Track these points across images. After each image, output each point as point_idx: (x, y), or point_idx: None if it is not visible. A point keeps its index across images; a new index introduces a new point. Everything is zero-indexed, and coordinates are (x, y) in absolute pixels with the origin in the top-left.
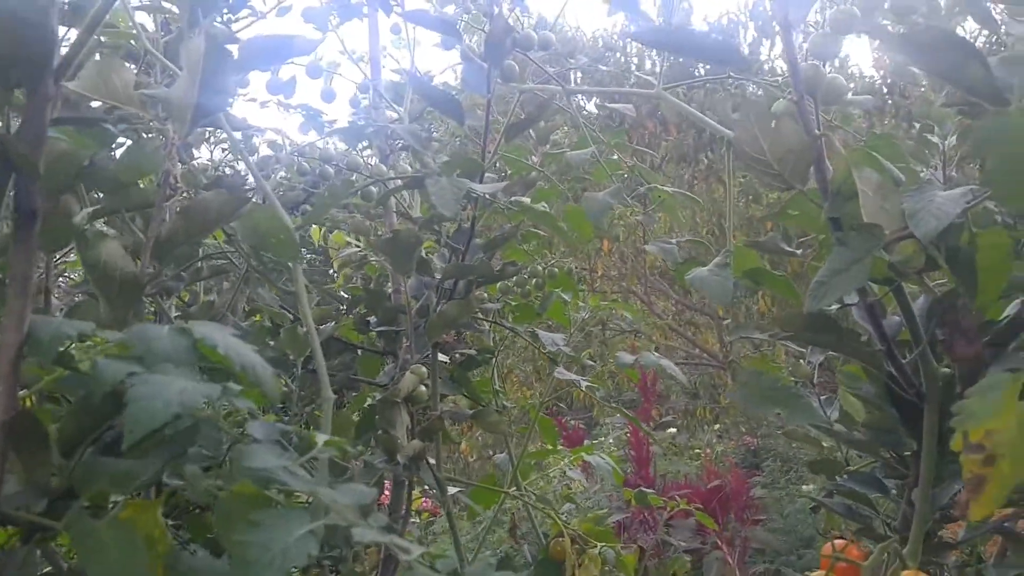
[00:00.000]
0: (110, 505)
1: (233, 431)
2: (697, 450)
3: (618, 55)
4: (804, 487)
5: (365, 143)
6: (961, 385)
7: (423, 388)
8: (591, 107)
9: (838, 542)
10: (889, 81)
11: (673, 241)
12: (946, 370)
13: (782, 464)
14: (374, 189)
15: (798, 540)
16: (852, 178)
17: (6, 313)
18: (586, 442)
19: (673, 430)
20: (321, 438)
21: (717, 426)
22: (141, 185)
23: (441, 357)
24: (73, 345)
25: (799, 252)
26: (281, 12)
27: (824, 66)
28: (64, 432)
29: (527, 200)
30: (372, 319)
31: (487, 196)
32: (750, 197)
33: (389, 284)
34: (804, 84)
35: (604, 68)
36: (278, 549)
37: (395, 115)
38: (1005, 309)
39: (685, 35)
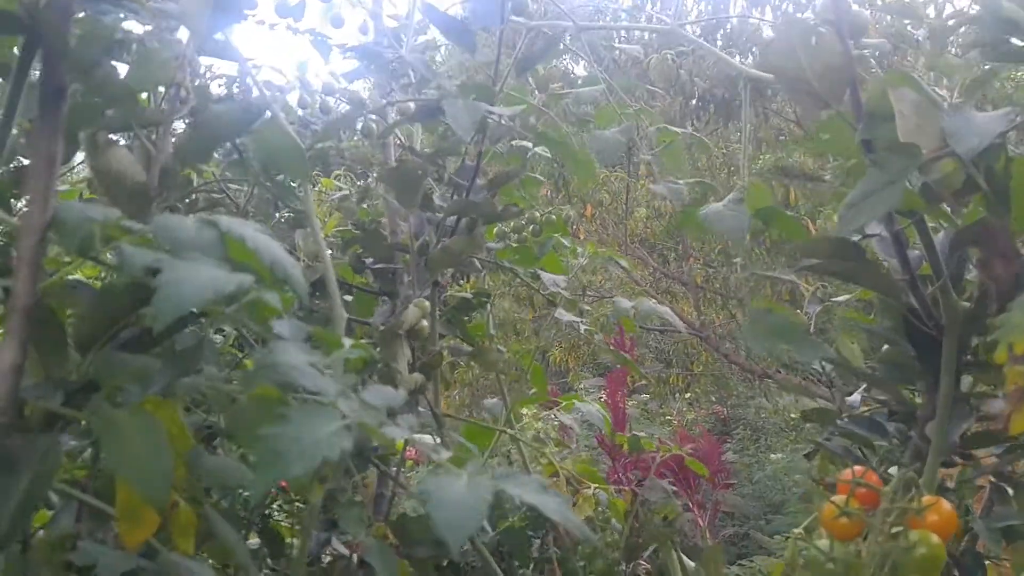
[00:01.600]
0: None
1: (258, 328)
2: (668, 417)
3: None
4: (773, 455)
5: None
6: (998, 302)
7: (424, 323)
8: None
9: (857, 468)
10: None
11: (680, 182)
12: (965, 304)
13: (752, 433)
14: (374, 125)
15: (767, 505)
16: (887, 99)
17: (30, 194)
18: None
19: (646, 396)
20: (347, 341)
21: (688, 395)
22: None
23: None
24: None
25: (827, 178)
26: None
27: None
28: (80, 328)
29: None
30: (368, 259)
31: (504, 120)
32: (731, 167)
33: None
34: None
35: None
36: (309, 441)
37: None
38: None
39: None
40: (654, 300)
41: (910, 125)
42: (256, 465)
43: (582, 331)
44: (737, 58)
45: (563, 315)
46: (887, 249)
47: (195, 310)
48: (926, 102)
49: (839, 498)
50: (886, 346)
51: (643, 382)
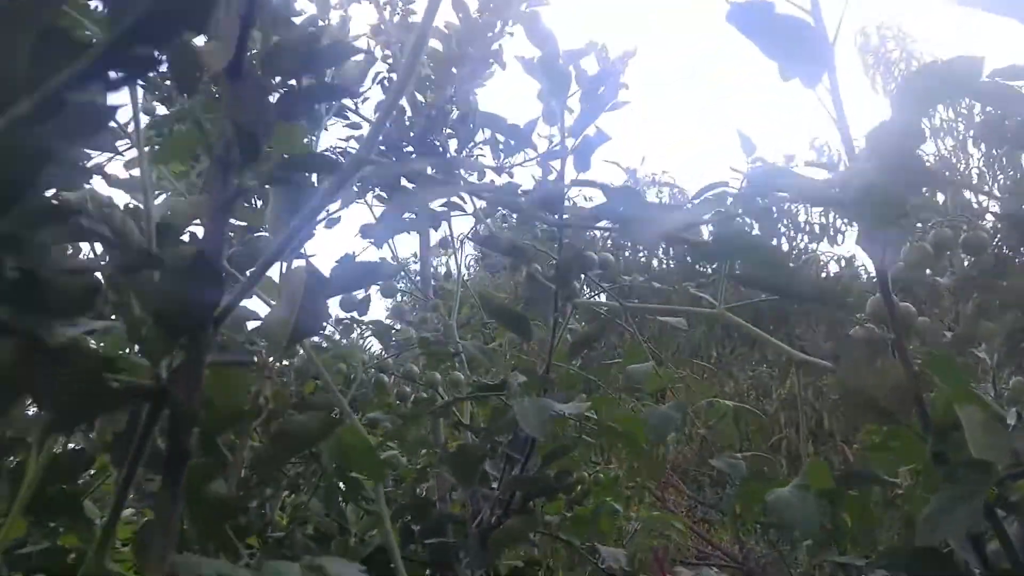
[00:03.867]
0: None
1: None
2: None
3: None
4: None
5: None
6: None
7: None
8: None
9: None
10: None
11: (739, 455)
12: None
13: None
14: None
15: None
16: (953, 412)
17: (146, 556)
18: None
19: None
20: None
21: None
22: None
23: None
24: None
25: (899, 481)
26: (329, 224)
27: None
28: None
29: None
30: (416, 528)
31: (571, 417)
32: (759, 391)
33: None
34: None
35: (657, 285)
36: None
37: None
38: None
39: (786, 274)
40: (715, 570)
41: (980, 443)
42: None
43: None
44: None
45: None
46: (963, 546)
47: None
48: (992, 419)
49: None
50: None
51: None
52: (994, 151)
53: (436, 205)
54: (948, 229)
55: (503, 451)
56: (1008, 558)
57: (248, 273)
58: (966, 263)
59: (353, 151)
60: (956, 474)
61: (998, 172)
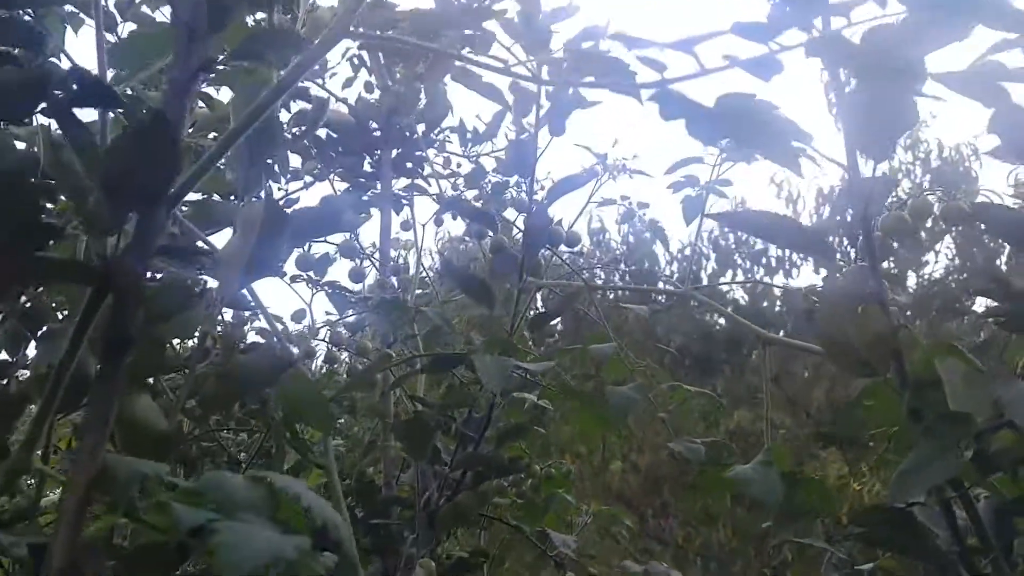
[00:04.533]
0: None
1: None
2: None
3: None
4: None
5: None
6: None
7: None
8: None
9: None
10: None
11: (698, 441)
12: None
13: None
14: (379, 377)
15: None
16: (933, 368)
17: (81, 446)
18: None
19: None
20: None
21: None
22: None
23: None
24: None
25: (871, 444)
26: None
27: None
28: None
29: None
30: (360, 513)
31: (536, 376)
32: (708, 422)
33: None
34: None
35: (623, 268)
36: None
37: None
38: None
39: (760, 217)
40: (664, 565)
41: (960, 395)
42: None
43: None
44: (709, 316)
45: None
46: (931, 519)
47: None
48: (974, 372)
49: None
50: None
51: None
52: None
53: (398, 187)
54: (928, 198)
55: (457, 429)
56: (976, 532)
57: (205, 156)
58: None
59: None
60: (933, 428)
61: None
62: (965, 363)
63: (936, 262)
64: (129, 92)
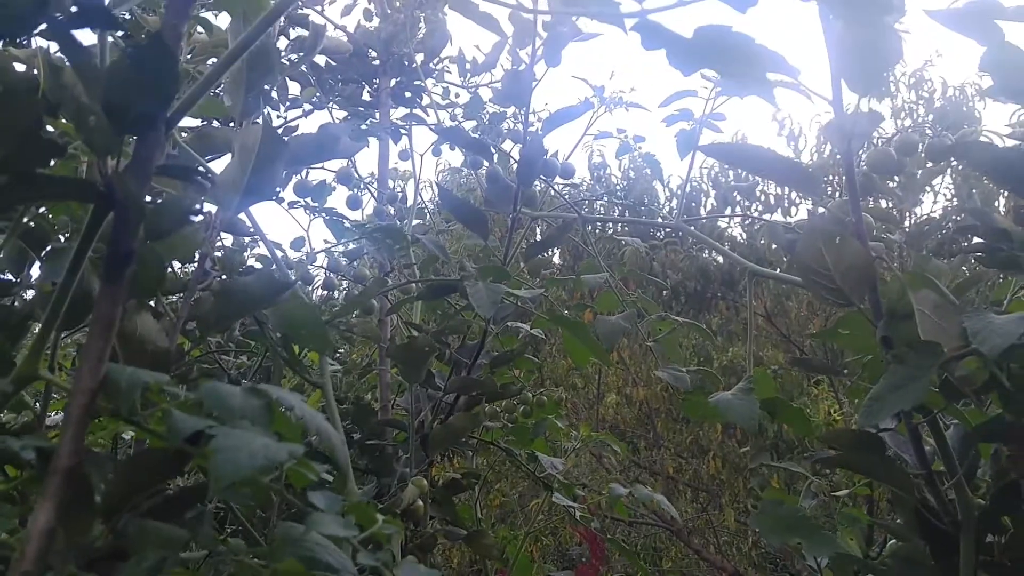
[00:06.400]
0: None
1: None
2: None
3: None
4: None
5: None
6: None
7: (419, 503)
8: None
9: None
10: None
11: (683, 370)
12: (980, 501)
13: None
14: (376, 303)
15: None
16: (907, 298)
17: (84, 355)
18: None
19: None
20: (380, 517)
21: None
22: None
23: None
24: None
25: (845, 372)
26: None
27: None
28: (111, 493)
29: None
30: (356, 435)
31: (527, 303)
32: (701, 358)
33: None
34: (854, 212)
35: (622, 203)
36: None
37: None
38: None
39: (752, 150)
40: (649, 488)
41: (931, 325)
42: None
43: (577, 517)
44: (706, 252)
45: (560, 499)
46: (900, 445)
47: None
48: (946, 303)
49: None
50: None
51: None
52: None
53: (397, 117)
54: (914, 135)
55: (451, 355)
56: (942, 456)
57: (203, 78)
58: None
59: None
60: (903, 356)
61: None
62: (938, 295)
63: (935, 202)
64: (127, 16)
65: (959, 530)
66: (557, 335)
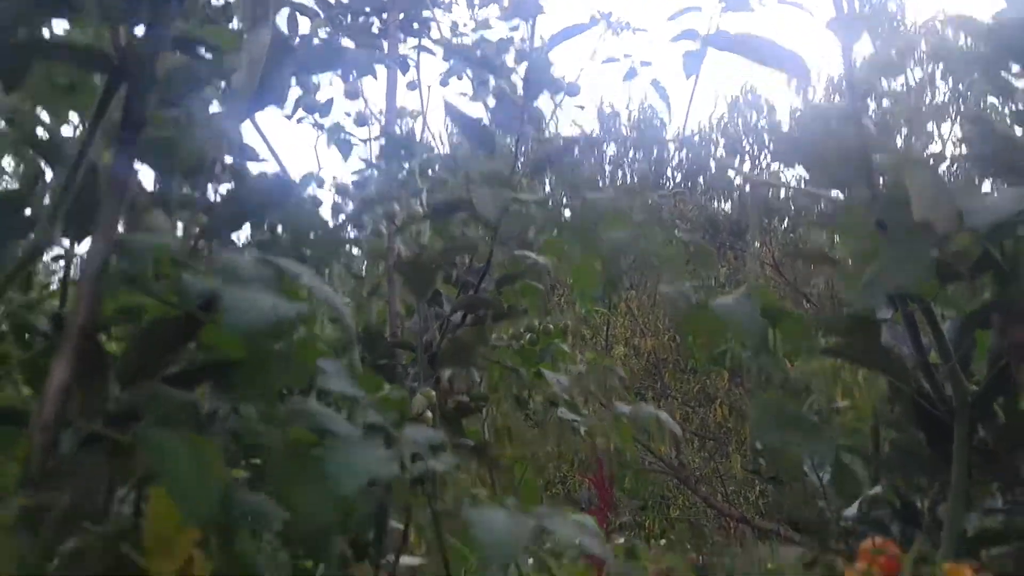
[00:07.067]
0: None
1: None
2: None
3: None
4: None
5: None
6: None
7: (428, 414)
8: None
9: (878, 539)
10: None
11: (687, 284)
12: (974, 387)
13: None
14: (383, 229)
15: None
16: (902, 183)
17: (100, 219)
18: None
19: (621, 540)
20: (386, 386)
21: (663, 541)
22: None
23: None
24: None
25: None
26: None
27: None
28: (127, 359)
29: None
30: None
31: (532, 203)
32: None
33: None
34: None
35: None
36: (359, 462)
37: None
38: None
39: (756, 40)
40: (652, 405)
41: (924, 204)
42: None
43: (582, 432)
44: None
45: (565, 413)
46: (897, 337)
47: None
48: (939, 182)
49: (861, 566)
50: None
51: (623, 519)
52: (960, 85)
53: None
54: (915, 35)
55: (458, 276)
56: (936, 344)
57: None
58: None
59: None
60: (898, 237)
61: (962, 105)
62: (930, 174)
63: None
64: None
65: (954, 418)
66: (565, 286)
